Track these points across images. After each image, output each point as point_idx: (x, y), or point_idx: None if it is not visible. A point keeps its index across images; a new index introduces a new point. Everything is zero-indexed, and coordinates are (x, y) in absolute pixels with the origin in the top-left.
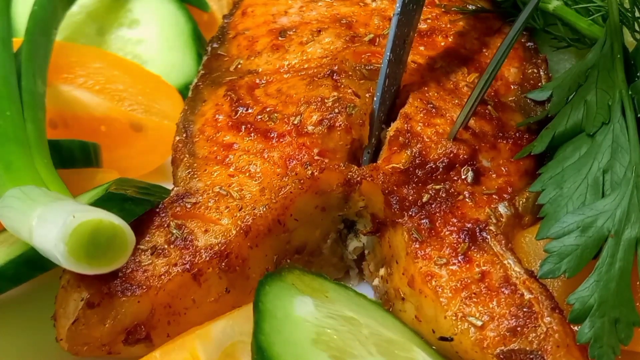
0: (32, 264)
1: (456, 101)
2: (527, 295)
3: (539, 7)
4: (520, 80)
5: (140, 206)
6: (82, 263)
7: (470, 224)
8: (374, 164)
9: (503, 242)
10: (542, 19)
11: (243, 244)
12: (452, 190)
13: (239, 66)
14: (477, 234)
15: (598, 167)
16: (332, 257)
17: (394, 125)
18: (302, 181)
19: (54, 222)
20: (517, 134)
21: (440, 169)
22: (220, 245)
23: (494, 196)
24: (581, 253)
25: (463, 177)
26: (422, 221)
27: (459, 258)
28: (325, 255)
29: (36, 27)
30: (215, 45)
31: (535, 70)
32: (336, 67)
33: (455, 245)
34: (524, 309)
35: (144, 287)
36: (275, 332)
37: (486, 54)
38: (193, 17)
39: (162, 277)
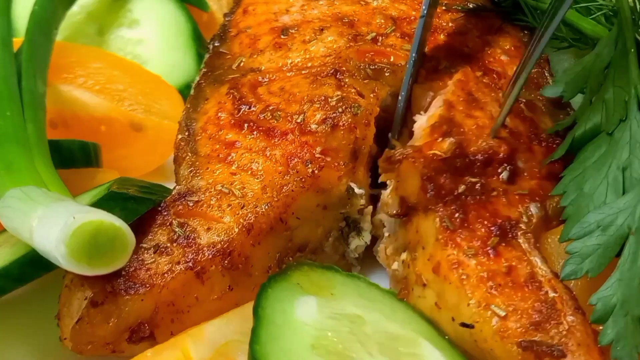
0: (36, 263)
1: (493, 94)
2: (551, 294)
3: (539, 8)
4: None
5: (142, 205)
6: (82, 264)
7: (501, 220)
8: (418, 146)
9: (532, 241)
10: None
11: (245, 242)
12: (487, 185)
13: (241, 64)
14: (508, 230)
15: (617, 165)
16: (334, 255)
17: (437, 112)
18: (303, 179)
19: (54, 223)
20: (550, 138)
21: (479, 163)
22: (222, 243)
23: (526, 197)
24: (603, 252)
25: (499, 174)
26: (456, 211)
27: (488, 251)
28: (327, 253)
29: (36, 27)
30: (217, 43)
31: (539, 70)
32: (339, 66)
33: (485, 238)
34: (548, 306)
35: (148, 285)
36: (272, 340)
37: (488, 52)
38: (193, 16)
39: (166, 275)
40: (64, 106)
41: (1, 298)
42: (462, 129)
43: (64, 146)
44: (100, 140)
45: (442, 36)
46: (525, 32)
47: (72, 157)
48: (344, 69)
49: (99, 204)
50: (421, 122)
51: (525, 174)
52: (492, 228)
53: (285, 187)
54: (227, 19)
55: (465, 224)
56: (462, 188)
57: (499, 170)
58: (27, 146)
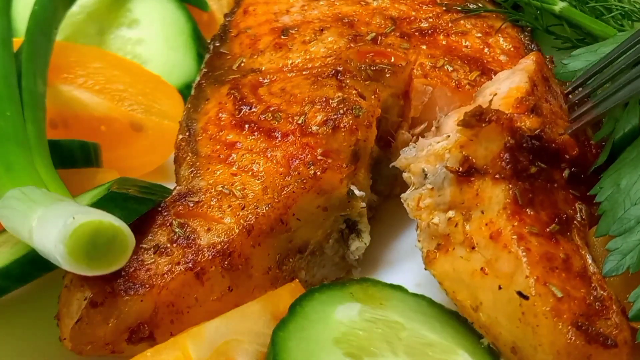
0: (37, 263)
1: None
2: (600, 292)
3: (541, 8)
4: None
5: (142, 205)
6: (81, 264)
7: (562, 212)
8: (509, 113)
9: (585, 239)
10: (544, 19)
11: (246, 243)
12: (552, 176)
13: (242, 64)
14: (566, 222)
15: None
16: (334, 257)
17: (523, 86)
18: (304, 181)
19: (54, 223)
20: (595, 144)
21: (551, 152)
22: (222, 243)
23: (578, 198)
24: None
25: (563, 170)
26: (527, 189)
27: (549, 234)
28: (327, 255)
29: (37, 27)
30: (217, 43)
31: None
32: (340, 67)
33: (547, 223)
34: (598, 301)
35: (147, 286)
36: (298, 330)
37: (487, 52)
38: (193, 16)
39: (165, 275)
40: (64, 106)
41: (1, 298)
42: (542, 111)
43: (64, 146)
44: (100, 140)
45: (441, 36)
46: (526, 32)
47: (72, 157)
48: (344, 69)
49: (98, 204)
50: (499, 89)
51: (582, 177)
52: (554, 216)
53: (286, 189)
54: (227, 19)
55: (532, 204)
56: (533, 169)
57: (563, 166)
58: (27, 146)
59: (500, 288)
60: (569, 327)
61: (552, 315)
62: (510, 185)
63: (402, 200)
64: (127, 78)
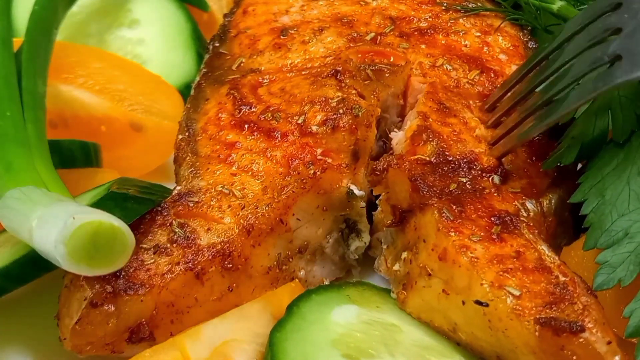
0: (36, 263)
1: (463, 102)
2: (562, 278)
3: (540, 7)
4: None
5: (142, 205)
6: (81, 264)
7: (500, 212)
8: (399, 154)
9: (536, 232)
10: (542, 18)
11: (245, 243)
12: (478, 184)
13: (241, 64)
14: (509, 222)
15: (637, 171)
16: (334, 256)
17: (414, 123)
18: (304, 181)
19: (54, 223)
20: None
21: (464, 167)
22: (222, 244)
23: (519, 194)
24: (634, 259)
25: (489, 178)
26: (453, 203)
27: (493, 237)
28: (327, 255)
29: (37, 27)
30: (216, 43)
31: None
32: (340, 67)
33: (488, 227)
34: (560, 288)
35: (147, 286)
36: (295, 331)
37: (487, 51)
38: (193, 16)
39: (165, 275)
40: (64, 106)
41: (1, 298)
42: (441, 136)
43: (64, 146)
44: (100, 140)
45: (441, 35)
46: (525, 31)
47: (72, 157)
48: (344, 69)
49: (98, 204)
50: (399, 137)
51: (514, 175)
52: (492, 218)
53: (285, 188)
54: (226, 19)
55: (464, 216)
56: (453, 186)
57: (487, 175)
58: (27, 146)
59: (463, 303)
60: (533, 324)
61: (515, 316)
62: (436, 208)
63: (375, 270)
64: (127, 78)
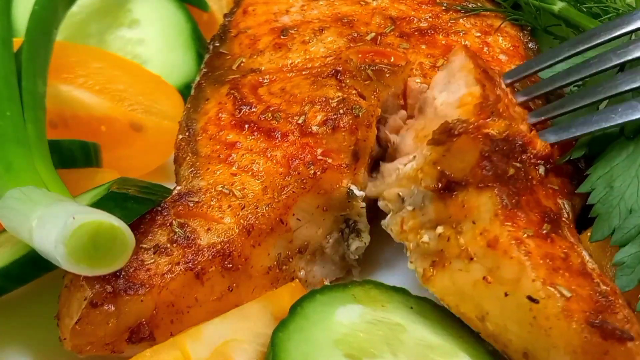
0: (36, 263)
1: None
2: (603, 287)
3: (540, 8)
4: None
5: (142, 205)
6: (81, 264)
7: (549, 209)
8: (474, 121)
9: (576, 235)
10: (542, 19)
11: (245, 243)
12: (528, 174)
13: (242, 64)
14: (556, 220)
15: None
16: (334, 256)
17: (475, 91)
18: (304, 181)
19: (54, 223)
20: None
21: (520, 150)
22: (222, 243)
23: (557, 192)
24: None
25: (537, 165)
26: (512, 192)
27: (544, 235)
28: (327, 255)
29: (37, 27)
30: (216, 43)
31: None
32: (340, 67)
33: (539, 223)
34: (603, 296)
35: (147, 286)
36: (297, 331)
37: (487, 51)
38: (193, 17)
39: (165, 275)
40: (64, 106)
41: (1, 298)
42: (500, 110)
43: (64, 146)
44: (100, 140)
45: (441, 36)
46: (525, 32)
47: (72, 157)
48: (344, 69)
49: (98, 204)
50: (449, 99)
51: (554, 170)
52: (543, 215)
53: (286, 188)
54: (227, 19)
55: (520, 206)
56: (511, 171)
57: (534, 161)
58: (27, 146)
59: (506, 295)
60: (583, 326)
61: (564, 316)
62: (496, 192)
63: (383, 227)
64: (127, 78)
